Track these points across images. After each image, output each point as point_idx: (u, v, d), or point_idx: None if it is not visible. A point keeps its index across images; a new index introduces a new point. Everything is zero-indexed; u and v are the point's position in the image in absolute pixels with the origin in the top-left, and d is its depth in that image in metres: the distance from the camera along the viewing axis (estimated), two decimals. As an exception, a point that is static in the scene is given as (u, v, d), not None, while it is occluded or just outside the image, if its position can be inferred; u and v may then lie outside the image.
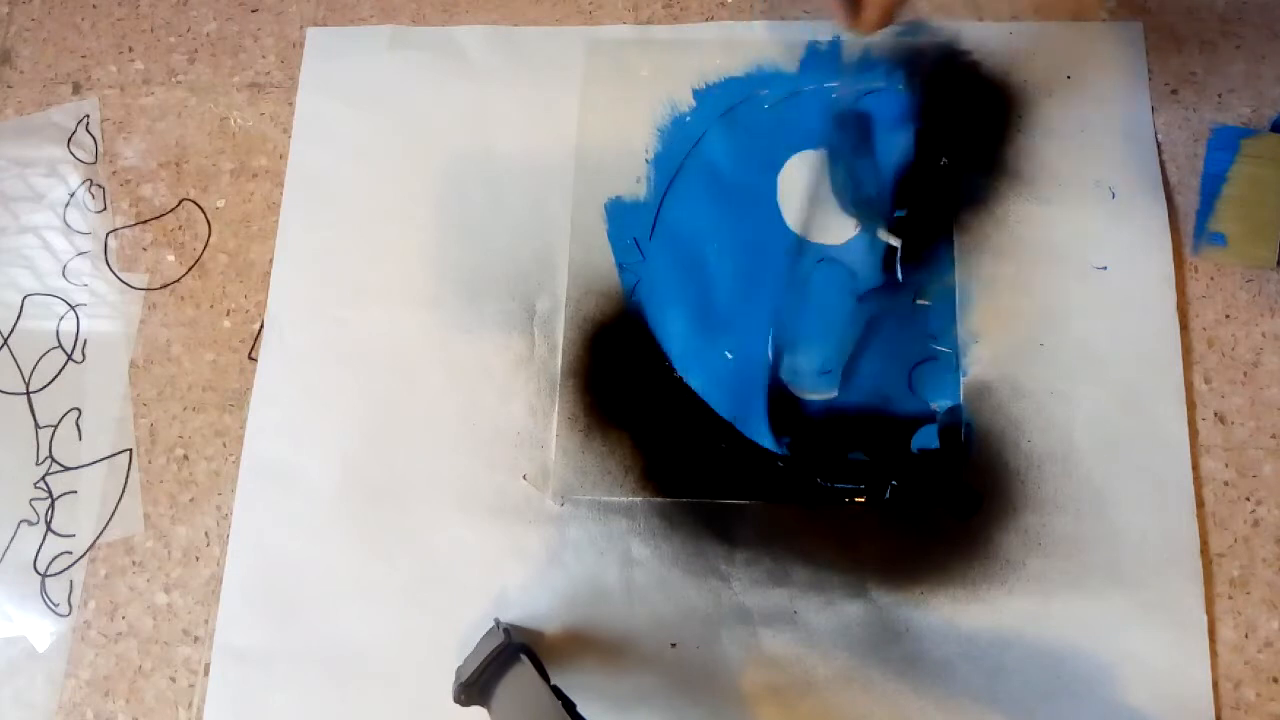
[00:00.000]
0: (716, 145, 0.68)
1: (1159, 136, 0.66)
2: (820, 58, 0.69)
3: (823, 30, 0.69)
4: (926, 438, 0.61)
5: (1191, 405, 0.61)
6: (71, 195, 0.72)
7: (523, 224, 0.68)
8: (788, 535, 0.60)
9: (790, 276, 0.65)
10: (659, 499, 0.62)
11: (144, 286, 0.70)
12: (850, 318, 0.64)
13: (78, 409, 0.68)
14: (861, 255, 0.64)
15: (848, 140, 0.67)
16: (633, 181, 0.68)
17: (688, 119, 0.68)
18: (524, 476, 0.63)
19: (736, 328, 0.64)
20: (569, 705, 0.49)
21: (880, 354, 0.63)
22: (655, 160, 0.68)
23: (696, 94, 0.69)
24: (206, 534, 0.64)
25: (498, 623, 0.58)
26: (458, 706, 0.55)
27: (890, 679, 0.58)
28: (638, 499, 0.62)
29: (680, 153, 0.68)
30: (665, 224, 0.67)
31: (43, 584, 0.65)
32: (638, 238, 0.66)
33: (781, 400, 0.63)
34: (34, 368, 0.69)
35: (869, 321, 0.63)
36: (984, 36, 0.68)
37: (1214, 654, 0.57)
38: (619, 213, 0.67)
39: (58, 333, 0.69)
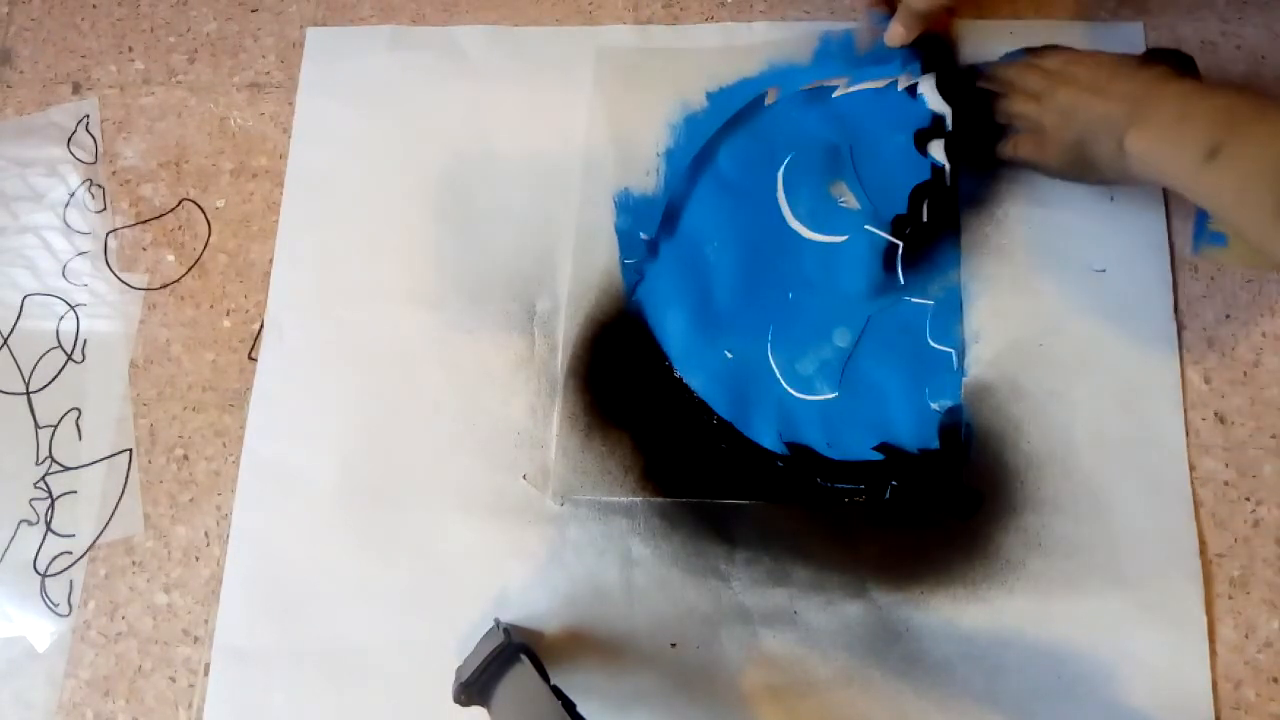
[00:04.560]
0: (718, 144, 0.68)
1: (1159, 137, 0.66)
2: (833, 49, 0.68)
3: (827, 27, 0.69)
4: (926, 438, 0.61)
5: (1191, 405, 0.61)
6: (71, 195, 0.72)
7: (523, 224, 0.68)
8: (788, 535, 0.60)
9: (790, 276, 0.65)
10: (659, 499, 0.62)
11: (144, 286, 0.70)
12: (850, 317, 0.64)
13: (78, 409, 0.68)
14: (862, 254, 0.64)
15: (848, 139, 0.66)
16: (643, 178, 0.67)
17: (701, 118, 0.68)
18: (524, 476, 0.63)
19: (736, 327, 0.64)
20: (569, 705, 0.49)
21: (880, 354, 0.63)
22: (668, 155, 0.68)
23: (710, 96, 0.69)
24: (206, 534, 0.64)
25: (498, 623, 0.58)
26: (458, 706, 0.55)
27: (890, 679, 0.58)
28: (638, 499, 0.62)
29: (692, 153, 0.67)
30: (666, 223, 0.67)
31: (43, 584, 0.65)
32: (642, 234, 0.66)
33: (781, 400, 0.63)
34: (34, 368, 0.69)
35: (869, 321, 0.63)
36: (984, 36, 0.68)
37: (1214, 654, 0.57)
38: (628, 206, 0.67)
39: (58, 333, 0.69)
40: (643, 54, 0.70)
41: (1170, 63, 0.57)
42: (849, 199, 0.65)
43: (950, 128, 0.65)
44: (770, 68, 0.69)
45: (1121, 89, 0.55)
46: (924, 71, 0.66)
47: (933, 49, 0.67)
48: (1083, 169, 0.58)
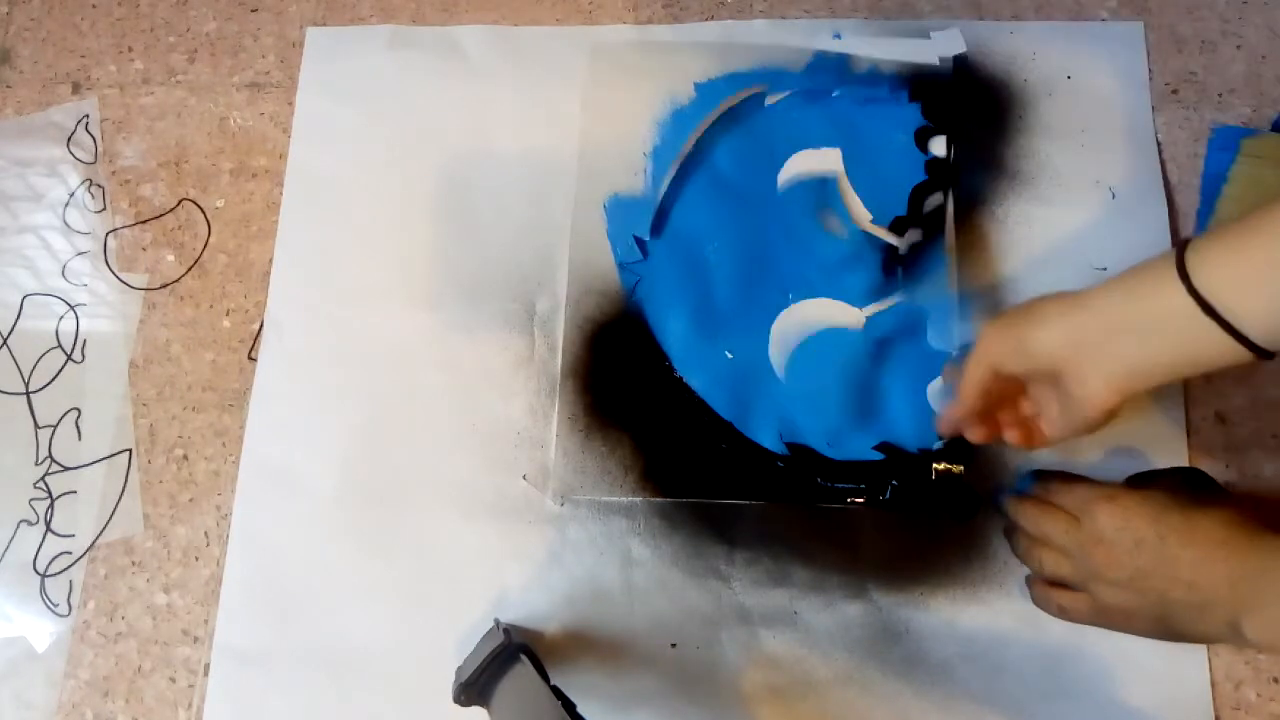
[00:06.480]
0: (717, 144, 0.68)
1: (1159, 136, 0.66)
2: (827, 65, 0.68)
3: (823, 33, 0.69)
4: (926, 438, 0.61)
5: (1191, 405, 0.61)
6: (71, 195, 0.72)
7: (523, 224, 0.68)
8: (788, 535, 0.60)
9: (790, 276, 0.65)
10: (659, 499, 0.62)
11: (143, 286, 0.70)
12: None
13: (77, 409, 0.68)
14: (861, 255, 0.64)
15: (848, 139, 0.66)
16: (632, 178, 0.67)
17: (687, 111, 0.68)
18: (524, 476, 0.63)
19: (736, 327, 0.64)
20: (569, 705, 0.49)
21: (879, 354, 0.63)
22: (654, 153, 0.68)
23: (698, 87, 0.68)
24: (206, 534, 0.64)
25: (498, 623, 0.58)
26: (458, 706, 0.55)
27: (890, 680, 0.58)
28: (638, 499, 0.62)
29: (679, 146, 0.67)
30: (665, 223, 0.67)
31: (42, 584, 0.65)
32: (638, 236, 0.66)
33: (781, 400, 0.63)
34: (34, 368, 0.69)
35: (868, 322, 0.63)
36: (984, 36, 0.68)
37: (1214, 654, 0.57)
38: (619, 211, 0.67)
39: (57, 333, 0.69)
40: (634, 51, 0.70)
41: (1185, 483, 0.53)
42: (839, 229, 0.65)
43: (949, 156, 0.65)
44: (762, 67, 0.69)
45: (1212, 570, 0.48)
46: (912, 99, 0.66)
47: (929, 89, 0.66)
48: (1166, 635, 0.52)
